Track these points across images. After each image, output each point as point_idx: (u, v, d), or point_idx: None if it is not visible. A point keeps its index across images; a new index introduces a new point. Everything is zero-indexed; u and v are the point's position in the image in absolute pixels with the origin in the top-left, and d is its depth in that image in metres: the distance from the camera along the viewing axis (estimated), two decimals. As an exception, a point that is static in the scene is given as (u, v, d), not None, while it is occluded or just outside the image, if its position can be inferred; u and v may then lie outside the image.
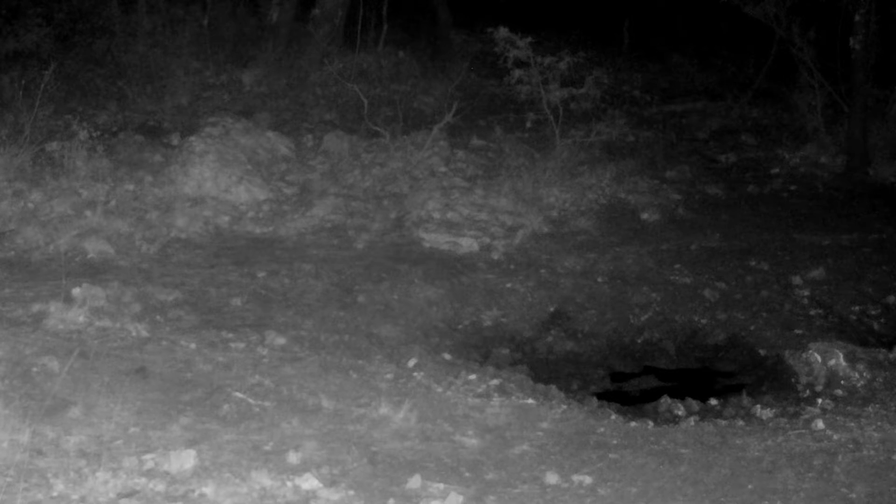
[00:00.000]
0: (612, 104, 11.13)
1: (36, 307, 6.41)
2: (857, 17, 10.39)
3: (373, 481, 4.56)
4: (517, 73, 10.27)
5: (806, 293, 7.81)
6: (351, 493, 4.39)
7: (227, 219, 8.71)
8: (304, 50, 13.15)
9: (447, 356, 6.64)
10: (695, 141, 11.98)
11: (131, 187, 8.93)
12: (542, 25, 13.26)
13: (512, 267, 8.19)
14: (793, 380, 6.43)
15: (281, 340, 6.37)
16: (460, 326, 7.33)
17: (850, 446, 5.13)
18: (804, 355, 6.49)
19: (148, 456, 4.53)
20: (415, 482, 4.51)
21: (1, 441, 4.52)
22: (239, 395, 5.40)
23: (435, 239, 8.47)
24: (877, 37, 10.66)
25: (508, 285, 7.87)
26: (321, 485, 4.40)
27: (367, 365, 6.21)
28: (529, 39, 10.14)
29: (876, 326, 7.30)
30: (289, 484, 4.39)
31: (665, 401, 6.32)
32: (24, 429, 4.63)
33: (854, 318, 7.38)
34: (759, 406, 6.06)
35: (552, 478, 4.71)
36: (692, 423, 5.87)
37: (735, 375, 6.90)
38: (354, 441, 4.98)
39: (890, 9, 10.75)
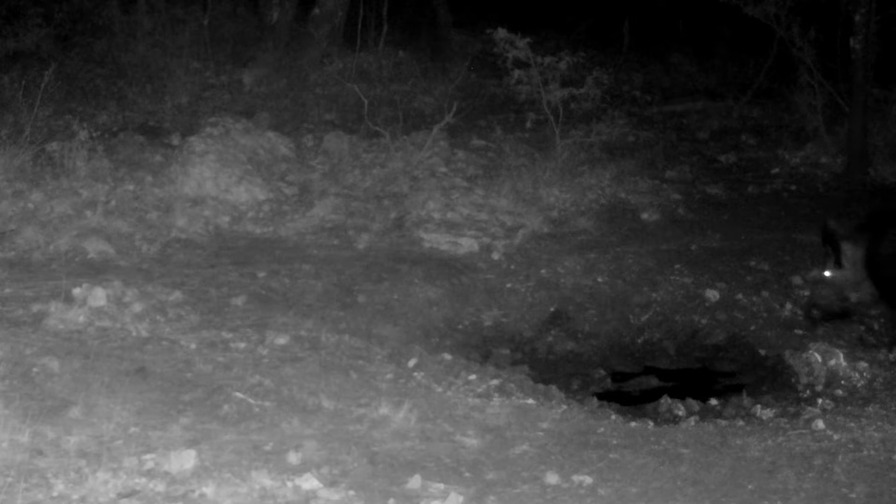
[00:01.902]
0: (612, 104, 11.12)
1: (36, 307, 6.41)
2: (857, 17, 10.39)
3: (373, 481, 4.56)
4: (517, 73, 10.27)
5: (806, 293, 7.80)
6: (351, 493, 4.40)
7: (227, 219, 8.71)
8: (304, 50, 13.15)
9: (447, 356, 6.64)
10: (695, 141, 11.98)
11: (131, 187, 8.93)
12: (542, 25, 13.26)
13: (512, 267, 8.19)
14: (793, 380, 6.43)
15: (281, 340, 6.37)
16: (460, 326, 7.33)
17: (851, 446, 5.13)
18: (804, 355, 6.49)
19: (148, 456, 4.54)
20: (415, 482, 4.51)
21: (1, 441, 4.52)
22: (239, 395, 5.40)
23: (435, 239, 8.47)
24: (877, 37, 10.66)
25: (508, 285, 7.87)
26: (321, 485, 4.40)
27: (367, 365, 6.21)
28: (528, 40, 10.14)
29: (876, 326, 7.29)
30: (289, 484, 4.39)
31: (665, 401, 6.33)
32: (24, 429, 4.63)
33: (854, 318, 7.37)
34: (759, 406, 6.07)
35: (552, 478, 4.71)
36: (692, 423, 5.87)
37: (735, 375, 6.90)
38: (355, 441, 4.98)
39: (890, 9, 10.76)
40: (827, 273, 6.78)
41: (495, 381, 6.17)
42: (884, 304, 6.85)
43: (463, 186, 9.55)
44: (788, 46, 11.64)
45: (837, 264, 6.71)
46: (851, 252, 6.68)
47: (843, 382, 6.23)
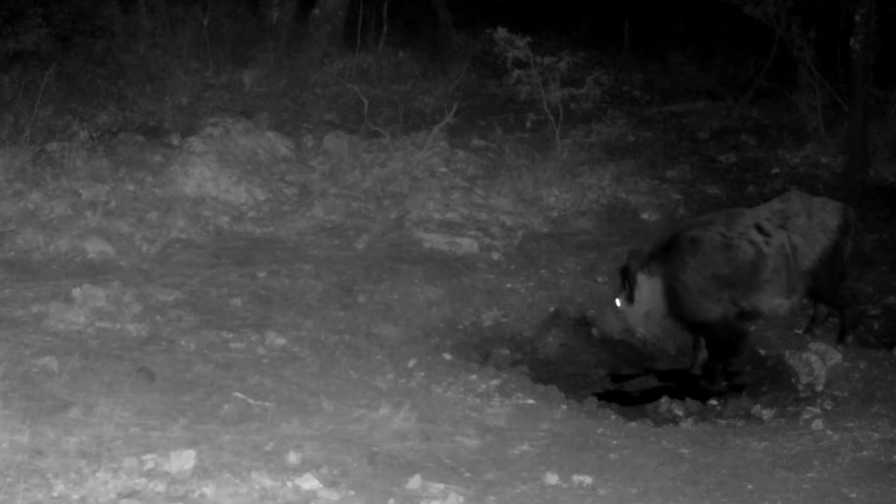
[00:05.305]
0: (612, 104, 11.12)
1: (36, 308, 6.41)
2: (857, 17, 10.39)
3: (373, 481, 4.56)
4: (517, 73, 10.27)
5: (806, 293, 7.79)
6: (351, 493, 4.40)
7: (227, 219, 8.70)
8: (304, 50, 13.15)
9: (447, 356, 6.64)
10: (695, 141, 11.97)
11: (131, 188, 8.92)
12: (542, 25, 13.26)
13: (512, 267, 8.19)
14: (793, 380, 6.44)
15: (281, 341, 6.38)
16: (460, 326, 7.33)
17: (850, 446, 5.13)
18: (804, 355, 6.50)
19: (148, 456, 4.54)
20: (415, 482, 4.52)
21: (1, 442, 4.52)
22: (239, 395, 5.40)
23: (435, 239, 8.47)
24: (877, 37, 10.65)
25: (509, 285, 7.86)
26: (321, 485, 4.40)
27: (367, 365, 6.22)
28: (528, 40, 10.14)
29: (876, 326, 7.29)
30: (289, 484, 4.39)
31: (665, 401, 6.33)
32: (24, 429, 4.63)
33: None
34: (759, 406, 6.07)
35: (552, 478, 4.71)
36: (692, 423, 5.88)
37: (735, 375, 6.90)
38: (355, 441, 4.98)
39: (890, 9, 10.76)
40: (618, 302, 6.84)
41: (495, 382, 6.17)
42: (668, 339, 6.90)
43: (463, 186, 9.55)
44: (788, 46, 11.64)
45: (629, 299, 6.73)
46: (643, 286, 6.67)
47: (843, 382, 6.23)
